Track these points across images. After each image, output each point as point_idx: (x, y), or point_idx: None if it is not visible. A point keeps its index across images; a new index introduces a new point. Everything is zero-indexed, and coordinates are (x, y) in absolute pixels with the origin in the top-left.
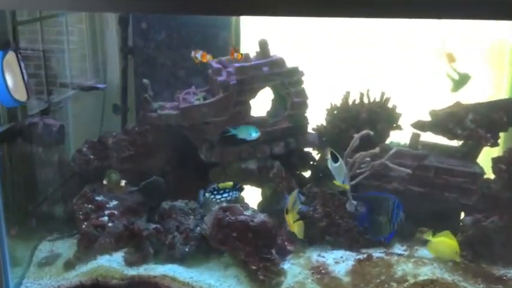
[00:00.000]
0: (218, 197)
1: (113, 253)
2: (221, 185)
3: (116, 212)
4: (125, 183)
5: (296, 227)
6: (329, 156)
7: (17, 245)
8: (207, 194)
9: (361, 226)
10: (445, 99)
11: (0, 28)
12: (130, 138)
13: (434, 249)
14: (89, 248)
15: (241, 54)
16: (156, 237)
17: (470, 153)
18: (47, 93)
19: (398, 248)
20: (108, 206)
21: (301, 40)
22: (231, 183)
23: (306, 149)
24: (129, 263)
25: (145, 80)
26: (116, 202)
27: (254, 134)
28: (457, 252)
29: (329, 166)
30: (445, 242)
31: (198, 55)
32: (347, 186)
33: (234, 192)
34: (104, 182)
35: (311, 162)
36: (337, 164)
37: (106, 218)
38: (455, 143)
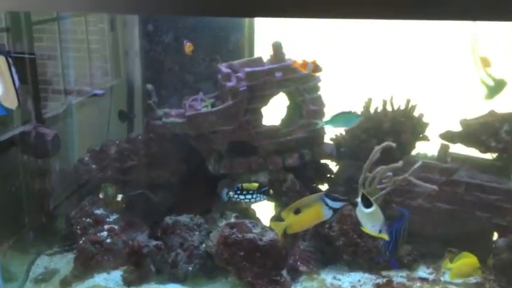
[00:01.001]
0: (241, 197)
1: (111, 271)
2: (245, 185)
3: (115, 227)
4: (122, 197)
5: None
6: (359, 199)
7: (13, 259)
8: (230, 193)
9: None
10: (478, 108)
11: None
12: (133, 148)
13: (457, 274)
14: (86, 266)
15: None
16: (158, 255)
17: (505, 167)
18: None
19: (423, 271)
20: (107, 220)
21: (319, 43)
22: (256, 184)
23: (322, 161)
24: (128, 283)
25: (149, 85)
26: (116, 216)
27: (355, 118)
28: (478, 267)
29: (358, 211)
30: (465, 263)
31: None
32: (385, 237)
33: (259, 195)
34: (100, 195)
35: (328, 175)
36: (372, 209)
37: (105, 233)
38: (489, 156)
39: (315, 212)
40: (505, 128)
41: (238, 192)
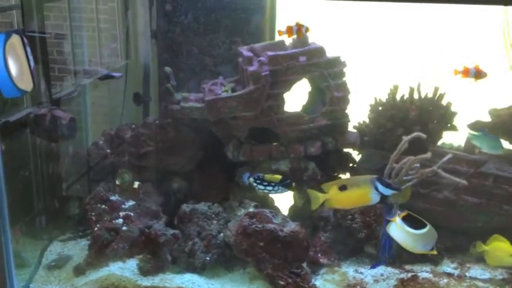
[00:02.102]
0: (261, 187)
1: (127, 260)
2: (268, 176)
3: (131, 214)
4: (139, 184)
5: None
6: (398, 220)
7: (25, 245)
8: (251, 179)
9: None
10: (508, 97)
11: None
12: (150, 133)
13: (493, 259)
14: (101, 253)
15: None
16: (175, 244)
17: None
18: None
19: (447, 265)
20: (123, 206)
21: (345, 26)
22: (279, 176)
23: (346, 150)
24: (144, 272)
25: (167, 68)
26: (133, 203)
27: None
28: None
29: (400, 233)
30: (500, 248)
31: None
32: (435, 252)
33: (280, 188)
34: (117, 182)
35: (350, 165)
36: (425, 230)
37: (120, 221)
38: None
39: (362, 193)
40: None
41: (259, 181)
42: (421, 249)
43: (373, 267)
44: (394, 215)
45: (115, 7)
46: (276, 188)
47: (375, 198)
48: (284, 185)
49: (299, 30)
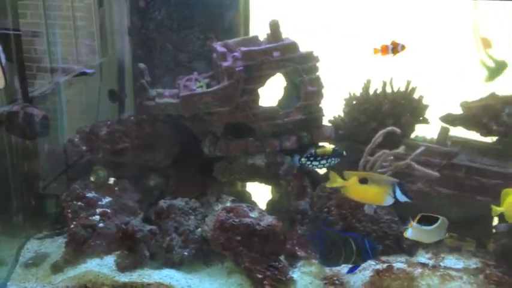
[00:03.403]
0: (315, 163)
1: (104, 256)
2: (319, 151)
3: (108, 211)
4: (114, 180)
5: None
6: (414, 223)
7: (2, 243)
8: (302, 159)
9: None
10: (478, 90)
11: None
12: (125, 129)
13: None
14: (78, 250)
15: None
16: (153, 240)
17: (506, 151)
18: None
19: (422, 256)
20: (100, 203)
21: (318, 22)
22: (330, 148)
23: (321, 144)
24: (122, 268)
25: (141, 64)
26: (110, 199)
27: None
28: None
29: (415, 234)
30: None
31: None
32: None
33: (334, 158)
34: (91, 178)
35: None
36: (437, 224)
37: (97, 217)
38: (490, 140)
39: (378, 192)
40: (506, 111)
41: (312, 158)
42: (434, 240)
43: (350, 271)
44: (408, 222)
45: (91, 4)
46: (329, 160)
47: (388, 201)
48: (336, 155)
49: (395, 48)
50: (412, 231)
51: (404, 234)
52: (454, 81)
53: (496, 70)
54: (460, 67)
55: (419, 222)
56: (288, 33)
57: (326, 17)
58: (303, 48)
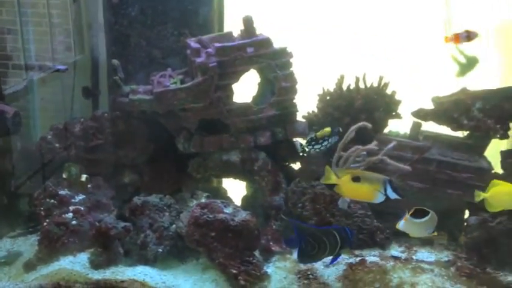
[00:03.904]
0: (317, 146)
1: (78, 254)
2: (319, 134)
3: (81, 208)
4: (86, 177)
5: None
6: (408, 216)
7: None
8: (305, 146)
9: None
10: (450, 85)
11: None
12: (99, 126)
13: (495, 205)
14: (51, 248)
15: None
16: (127, 236)
17: (476, 145)
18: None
19: (395, 250)
20: (73, 201)
21: (292, 18)
22: (328, 128)
23: (296, 139)
24: (95, 265)
25: (114, 61)
26: (83, 197)
27: None
28: None
29: (408, 224)
30: (502, 191)
31: None
32: (436, 233)
33: (334, 137)
34: (63, 176)
35: (301, 154)
36: (427, 217)
37: (70, 215)
38: (461, 134)
39: (370, 189)
40: (476, 106)
41: (313, 143)
42: (424, 234)
43: (333, 261)
44: (404, 215)
45: (67, 2)
46: (330, 140)
47: (379, 198)
48: (335, 133)
49: (469, 36)
50: (404, 223)
51: (396, 226)
52: (437, 77)
53: (467, 65)
54: (442, 63)
55: (412, 215)
56: (262, 29)
57: (301, 13)
58: (278, 43)
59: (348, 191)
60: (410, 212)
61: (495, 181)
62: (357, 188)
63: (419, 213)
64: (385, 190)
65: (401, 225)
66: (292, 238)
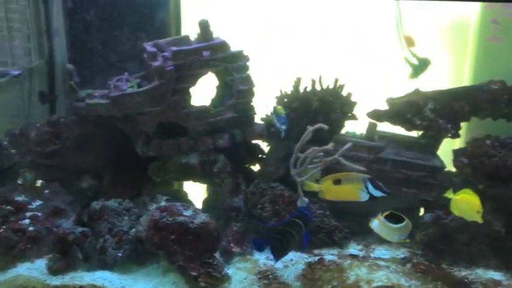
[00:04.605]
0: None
1: (35, 260)
2: (278, 109)
3: (38, 214)
4: (42, 183)
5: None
6: (382, 218)
7: None
8: (277, 126)
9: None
10: (403, 87)
11: None
12: (55, 131)
13: (457, 209)
14: (8, 255)
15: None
16: (85, 241)
17: (429, 145)
18: None
19: (353, 248)
20: (30, 207)
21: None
22: (280, 107)
23: (255, 141)
24: (53, 271)
25: (69, 65)
26: (40, 202)
27: None
28: (478, 212)
29: (381, 228)
30: (467, 201)
31: None
32: (409, 241)
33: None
34: (18, 181)
35: (259, 155)
36: (403, 224)
37: (27, 221)
38: (414, 134)
39: (352, 189)
40: (429, 106)
41: (282, 121)
42: (398, 240)
43: (306, 243)
44: (378, 213)
45: (26, 6)
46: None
47: (364, 196)
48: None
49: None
50: (378, 224)
51: (369, 225)
52: (381, 78)
53: (420, 67)
54: (386, 65)
55: (387, 218)
56: (219, 32)
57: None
58: (234, 47)
59: (332, 195)
60: (384, 214)
61: (467, 190)
62: (340, 190)
63: (393, 218)
64: (367, 188)
65: (374, 225)
66: (260, 242)
